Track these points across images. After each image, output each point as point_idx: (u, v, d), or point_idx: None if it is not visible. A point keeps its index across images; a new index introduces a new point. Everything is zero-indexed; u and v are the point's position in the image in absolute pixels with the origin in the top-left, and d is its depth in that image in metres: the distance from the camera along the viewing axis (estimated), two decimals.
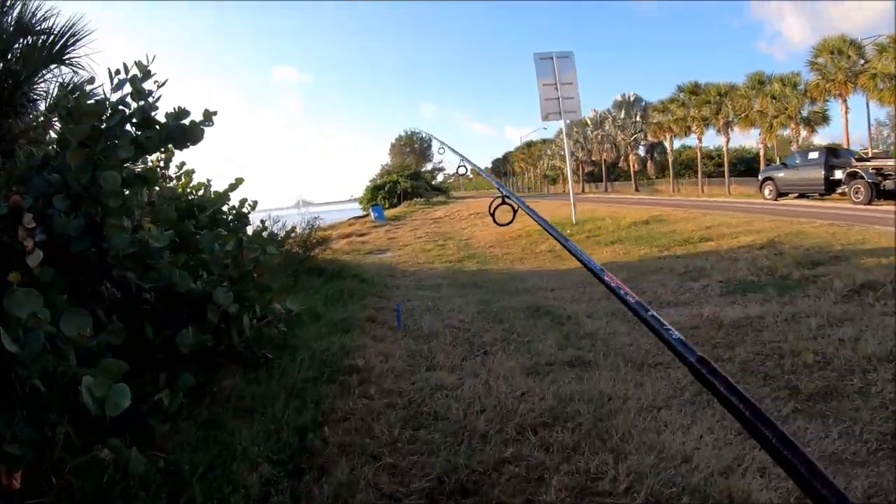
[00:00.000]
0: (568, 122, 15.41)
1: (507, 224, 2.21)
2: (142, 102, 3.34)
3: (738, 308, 5.67)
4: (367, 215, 31.23)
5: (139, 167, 4.02)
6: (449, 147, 4.57)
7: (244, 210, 7.50)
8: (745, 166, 51.19)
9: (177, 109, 3.44)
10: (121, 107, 3.28)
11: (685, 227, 11.70)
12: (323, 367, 4.22)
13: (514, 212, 2.15)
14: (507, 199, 2.16)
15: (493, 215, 2.19)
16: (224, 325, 3.66)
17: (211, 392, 3.48)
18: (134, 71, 3.38)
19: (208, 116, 3.64)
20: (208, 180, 6.99)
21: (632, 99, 56.18)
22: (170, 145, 3.55)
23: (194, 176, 6.63)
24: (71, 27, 5.05)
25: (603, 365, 4.26)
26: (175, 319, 3.28)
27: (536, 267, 10.31)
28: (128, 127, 3.29)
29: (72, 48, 5.13)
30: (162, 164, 5.78)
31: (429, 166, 71.82)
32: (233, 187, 7.21)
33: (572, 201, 15.42)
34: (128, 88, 3.34)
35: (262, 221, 9.92)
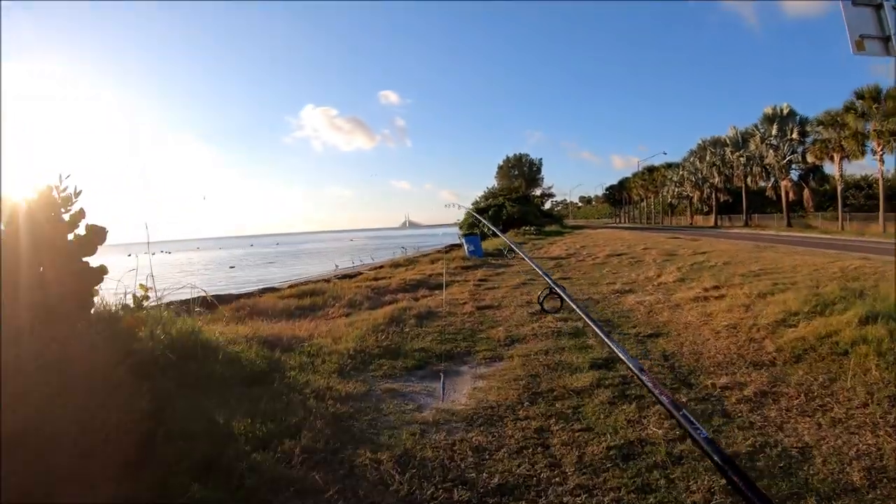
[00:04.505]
0: None
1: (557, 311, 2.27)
2: None
3: None
4: (462, 246, 23.04)
5: None
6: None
7: None
8: None
9: None
10: None
11: None
12: None
13: (562, 302, 2.10)
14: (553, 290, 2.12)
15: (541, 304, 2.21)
16: None
17: None
18: None
19: None
20: None
21: (785, 112, 43.91)
22: None
23: None
24: None
25: None
26: None
27: None
28: None
29: None
30: None
31: (537, 191, 62.77)
32: None
33: None
34: None
35: None
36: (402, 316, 7.70)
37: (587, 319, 1.72)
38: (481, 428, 3.72)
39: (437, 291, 10.97)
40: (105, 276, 5.27)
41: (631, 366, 1.26)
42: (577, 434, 3.57)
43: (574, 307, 1.86)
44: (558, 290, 2.08)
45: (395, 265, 19.50)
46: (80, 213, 5.06)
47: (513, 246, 4.24)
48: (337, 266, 28.05)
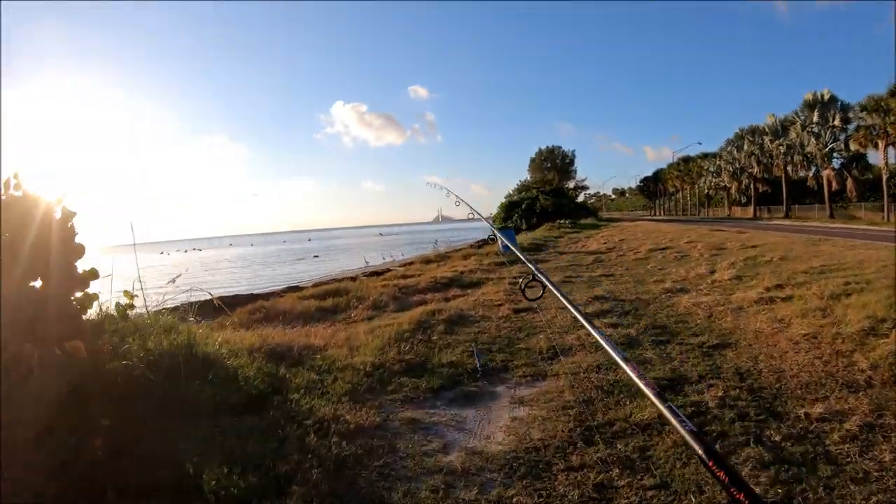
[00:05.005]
0: None
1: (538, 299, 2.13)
2: None
3: None
4: (494, 240, 22.11)
5: None
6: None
7: None
8: None
9: None
10: None
11: None
12: None
13: (543, 288, 2.03)
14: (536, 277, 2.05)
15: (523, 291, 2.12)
16: None
17: None
18: None
19: None
20: None
21: (826, 98, 41.44)
22: None
23: None
24: None
25: None
26: None
27: None
28: None
29: None
30: None
31: (571, 184, 61.16)
32: None
33: None
34: None
35: None
36: (430, 321, 6.89)
37: (565, 302, 1.70)
38: (524, 481, 2.86)
39: (469, 291, 10.15)
40: (95, 281, 4.57)
41: (614, 354, 1.26)
42: (649, 494, 2.69)
43: (556, 293, 1.83)
44: (540, 276, 2.03)
45: (426, 261, 18.75)
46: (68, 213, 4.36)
47: (503, 236, 3.39)
48: (367, 262, 27.51)
